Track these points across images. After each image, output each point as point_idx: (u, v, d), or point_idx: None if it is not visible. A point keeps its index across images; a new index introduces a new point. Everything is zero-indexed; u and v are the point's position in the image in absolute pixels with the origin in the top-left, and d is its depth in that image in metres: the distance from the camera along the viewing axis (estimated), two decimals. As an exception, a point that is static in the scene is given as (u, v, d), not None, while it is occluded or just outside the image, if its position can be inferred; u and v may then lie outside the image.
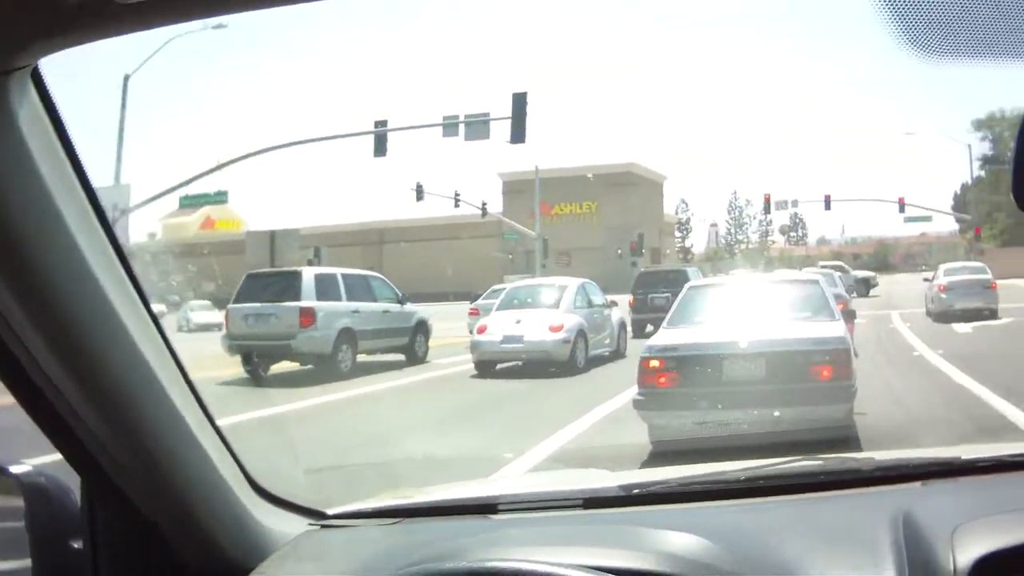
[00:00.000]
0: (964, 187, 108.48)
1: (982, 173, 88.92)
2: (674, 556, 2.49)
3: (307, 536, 3.09)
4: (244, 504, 2.94)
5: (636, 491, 3.19)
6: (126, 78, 45.51)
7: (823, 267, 65.71)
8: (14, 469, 2.70)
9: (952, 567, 2.27)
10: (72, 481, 2.74)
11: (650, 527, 2.75)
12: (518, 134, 42.96)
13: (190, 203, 61.78)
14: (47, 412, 2.47)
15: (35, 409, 2.47)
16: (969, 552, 2.29)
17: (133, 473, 2.63)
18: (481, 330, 25.51)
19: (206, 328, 43.87)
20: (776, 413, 11.53)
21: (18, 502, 2.67)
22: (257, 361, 25.60)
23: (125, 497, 2.67)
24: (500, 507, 3.14)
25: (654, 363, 12.56)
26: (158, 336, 2.60)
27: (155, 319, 2.60)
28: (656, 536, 2.65)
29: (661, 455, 11.25)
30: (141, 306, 2.53)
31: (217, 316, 45.63)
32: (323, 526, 3.19)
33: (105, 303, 2.36)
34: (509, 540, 2.77)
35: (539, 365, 24.44)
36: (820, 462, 3.34)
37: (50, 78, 2.20)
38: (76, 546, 2.73)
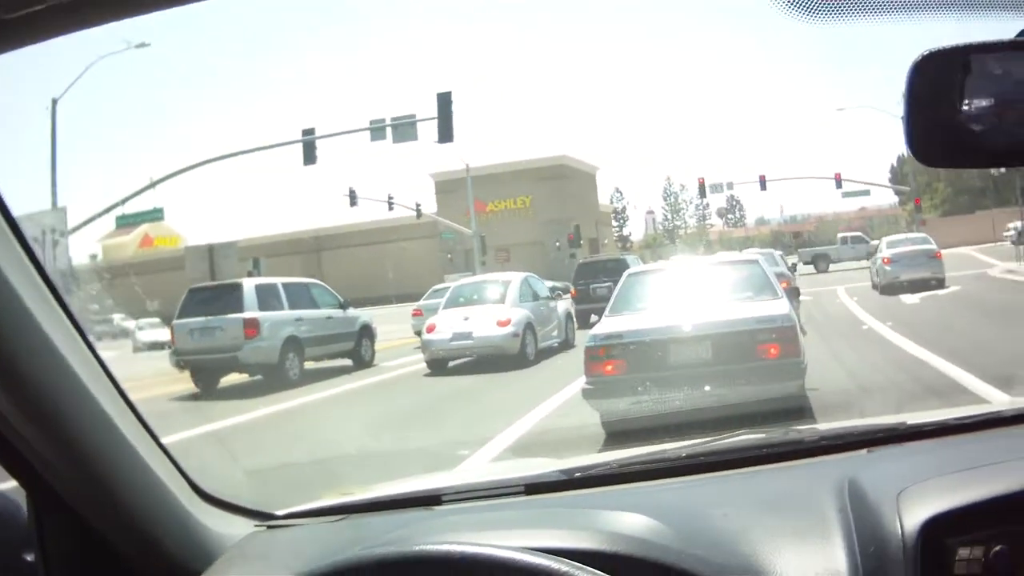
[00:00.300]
0: (900, 159, 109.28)
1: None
2: (616, 535, 2.48)
3: (253, 537, 3.10)
4: (187, 509, 2.93)
5: (577, 475, 3.23)
6: (54, 102, 45.22)
7: (842, 238, 66.57)
8: None
9: (899, 530, 2.29)
10: (21, 496, 2.73)
11: (591, 508, 2.77)
12: (445, 133, 43.27)
13: (127, 222, 61.10)
14: None
15: None
16: (915, 515, 2.31)
17: (74, 485, 2.62)
18: (430, 329, 25.71)
19: (157, 346, 43.66)
20: (727, 394, 11.49)
21: None
22: (206, 375, 25.55)
23: (71, 508, 2.66)
24: (444, 498, 3.17)
25: (600, 352, 12.55)
26: (85, 348, 2.59)
27: (82, 332, 2.59)
28: (597, 516, 2.66)
29: (616, 438, 11.28)
30: (65, 319, 2.52)
31: (166, 333, 45.56)
32: (269, 527, 3.19)
33: (27, 317, 2.35)
34: (451, 528, 2.79)
35: (490, 360, 24.64)
36: (762, 435, 3.39)
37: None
38: (29, 559, 2.72)
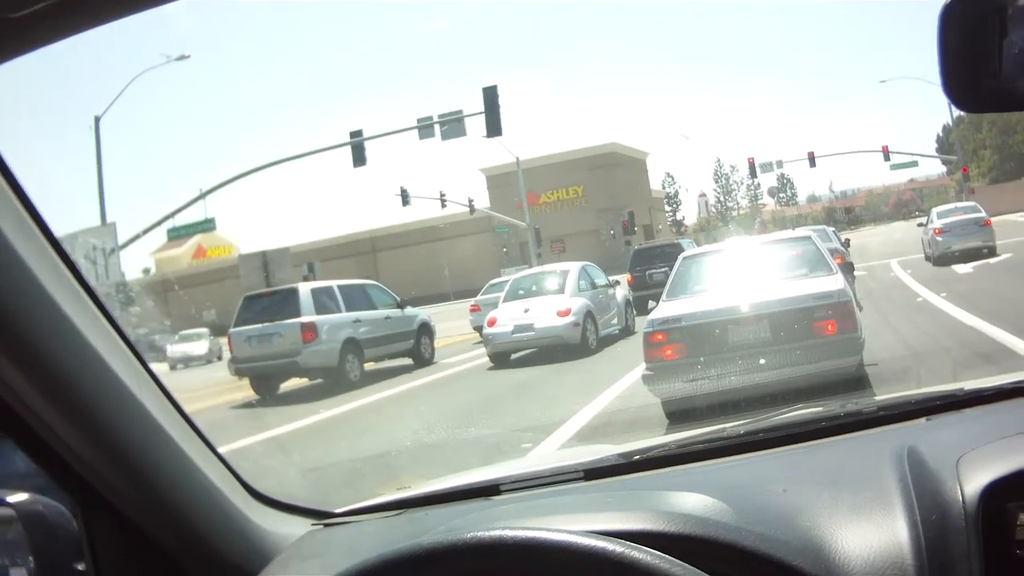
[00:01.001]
0: (946, 128, 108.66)
1: (963, 112, 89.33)
2: (674, 515, 2.44)
3: (310, 536, 3.10)
4: (241, 511, 2.93)
5: (636, 457, 3.19)
6: (97, 119, 45.47)
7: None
8: (11, 499, 2.70)
9: (960, 498, 2.23)
10: (70, 505, 2.72)
11: (650, 490, 2.75)
12: (493, 127, 43.28)
13: (178, 235, 61.34)
14: (30, 437, 2.45)
15: (19, 435, 2.46)
16: (975, 481, 2.25)
17: (123, 490, 2.62)
18: (492, 323, 25.77)
19: (190, 360, 43.83)
20: (786, 372, 11.43)
21: (19, 530, 2.67)
22: (265, 381, 25.62)
23: (121, 515, 2.66)
24: (503, 488, 3.15)
25: (658, 337, 12.50)
26: (130, 354, 2.59)
27: (126, 338, 2.59)
28: (655, 497, 2.64)
29: (678, 421, 11.26)
30: (108, 326, 2.52)
31: (202, 346, 45.63)
32: (326, 525, 3.19)
33: (67, 325, 2.35)
34: (508, 515, 2.75)
35: (553, 350, 24.62)
36: (820, 408, 3.35)
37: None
38: (80, 568, 2.71)
